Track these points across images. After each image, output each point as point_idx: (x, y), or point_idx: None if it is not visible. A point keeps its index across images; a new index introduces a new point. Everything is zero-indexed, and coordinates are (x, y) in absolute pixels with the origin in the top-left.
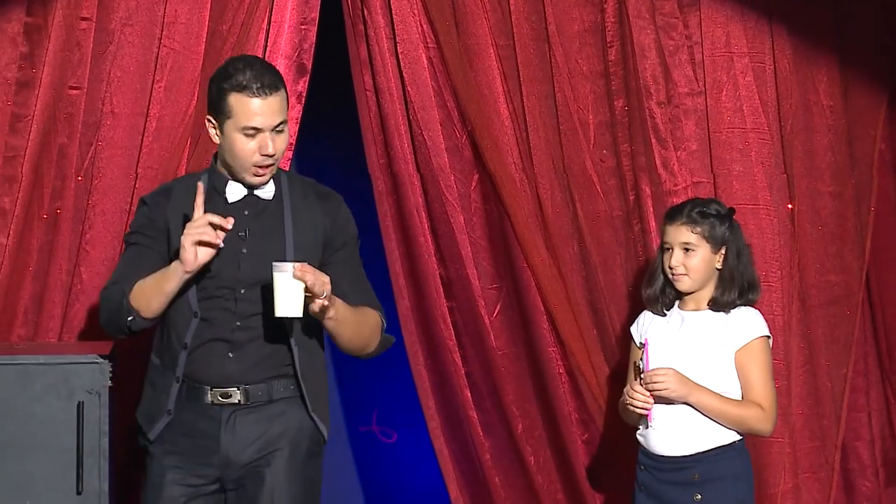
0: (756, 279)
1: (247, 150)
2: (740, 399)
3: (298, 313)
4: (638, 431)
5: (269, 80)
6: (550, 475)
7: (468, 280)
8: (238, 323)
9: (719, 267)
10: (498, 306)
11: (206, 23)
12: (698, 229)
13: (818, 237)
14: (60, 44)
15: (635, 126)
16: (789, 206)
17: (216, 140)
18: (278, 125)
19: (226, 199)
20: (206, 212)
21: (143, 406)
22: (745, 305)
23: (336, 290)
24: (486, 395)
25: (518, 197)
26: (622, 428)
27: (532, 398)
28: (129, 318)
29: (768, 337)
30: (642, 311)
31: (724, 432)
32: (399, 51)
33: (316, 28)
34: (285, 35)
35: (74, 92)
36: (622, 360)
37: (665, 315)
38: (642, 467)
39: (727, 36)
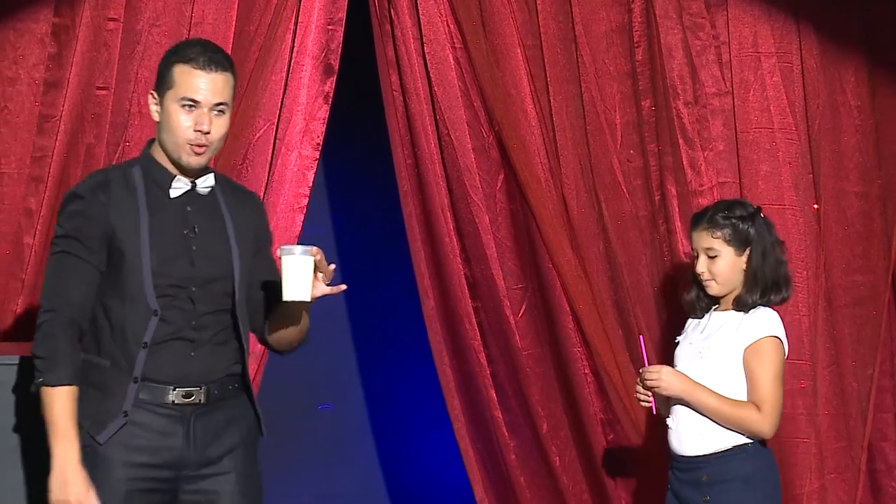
0: (783, 278)
1: (183, 124)
2: (744, 399)
3: (308, 297)
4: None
5: (217, 59)
6: (576, 475)
7: (493, 280)
8: (194, 322)
9: (745, 268)
10: (523, 306)
11: (234, 23)
12: (718, 233)
13: (844, 237)
14: (88, 44)
15: (662, 126)
16: (815, 206)
17: (156, 117)
18: (219, 105)
19: (168, 193)
20: (132, 205)
21: (86, 409)
22: (766, 305)
23: (267, 288)
24: (512, 395)
25: (543, 197)
26: (648, 428)
27: (557, 398)
28: (33, 386)
29: (779, 339)
30: (678, 313)
31: (734, 434)
32: (426, 51)
33: (343, 28)
34: (312, 35)
35: (102, 92)
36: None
37: (702, 318)
38: (670, 467)
39: (754, 36)
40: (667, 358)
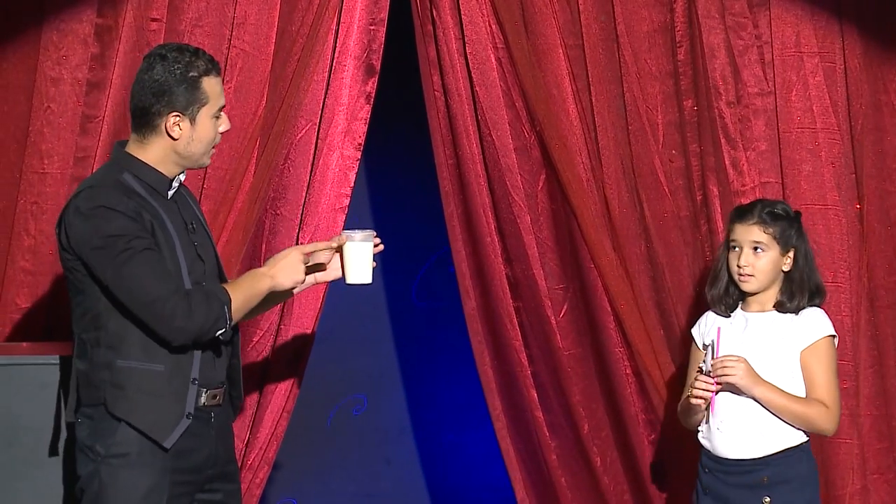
0: (822, 283)
1: (214, 131)
2: (805, 398)
3: (369, 279)
4: (700, 434)
5: (216, 61)
6: (617, 476)
7: (535, 280)
8: None
9: (785, 269)
10: (564, 306)
11: (276, 23)
12: (770, 230)
13: (887, 237)
14: (131, 45)
15: (704, 126)
16: (857, 206)
17: (177, 135)
18: None
19: (165, 194)
20: (152, 208)
21: (143, 417)
22: (811, 307)
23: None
24: (553, 396)
25: (585, 197)
26: (689, 430)
27: (598, 399)
28: (222, 329)
29: (834, 337)
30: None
31: (791, 434)
32: (468, 51)
33: (385, 28)
34: (354, 35)
35: None
36: (689, 361)
37: (729, 316)
38: (707, 470)
39: (797, 36)
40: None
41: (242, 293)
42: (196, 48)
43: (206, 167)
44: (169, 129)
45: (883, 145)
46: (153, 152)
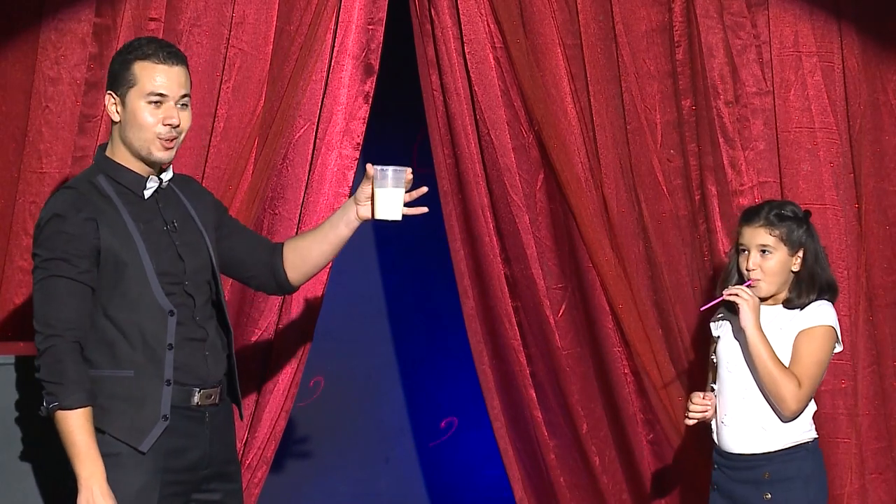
0: (834, 281)
1: (151, 119)
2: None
3: (399, 216)
4: (712, 429)
5: (175, 52)
6: (615, 475)
7: (533, 280)
8: (198, 317)
9: (795, 269)
10: (563, 306)
11: (274, 23)
12: (776, 232)
13: (885, 237)
14: None
15: (703, 126)
16: (856, 205)
17: (116, 117)
18: (182, 97)
19: (141, 195)
20: (113, 214)
21: (119, 422)
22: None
23: (244, 246)
24: (551, 395)
25: (583, 196)
26: (688, 428)
27: (597, 398)
28: (43, 402)
29: (833, 329)
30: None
31: (797, 432)
32: (466, 50)
33: (383, 28)
34: (353, 35)
35: None
36: (688, 359)
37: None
38: (716, 466)
39: (795, 35)
40: (688, 354)
41: (77, 433)
42: (157, 39)
43: (205, 166)
44: (109, 112)
45: (881, 145)
46: (116, 146)
